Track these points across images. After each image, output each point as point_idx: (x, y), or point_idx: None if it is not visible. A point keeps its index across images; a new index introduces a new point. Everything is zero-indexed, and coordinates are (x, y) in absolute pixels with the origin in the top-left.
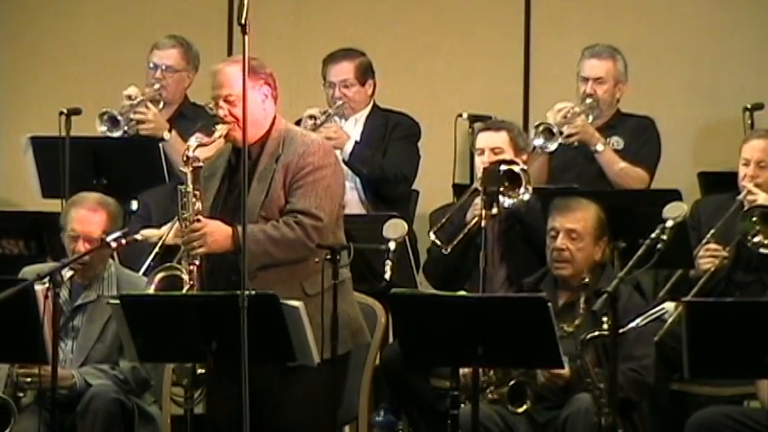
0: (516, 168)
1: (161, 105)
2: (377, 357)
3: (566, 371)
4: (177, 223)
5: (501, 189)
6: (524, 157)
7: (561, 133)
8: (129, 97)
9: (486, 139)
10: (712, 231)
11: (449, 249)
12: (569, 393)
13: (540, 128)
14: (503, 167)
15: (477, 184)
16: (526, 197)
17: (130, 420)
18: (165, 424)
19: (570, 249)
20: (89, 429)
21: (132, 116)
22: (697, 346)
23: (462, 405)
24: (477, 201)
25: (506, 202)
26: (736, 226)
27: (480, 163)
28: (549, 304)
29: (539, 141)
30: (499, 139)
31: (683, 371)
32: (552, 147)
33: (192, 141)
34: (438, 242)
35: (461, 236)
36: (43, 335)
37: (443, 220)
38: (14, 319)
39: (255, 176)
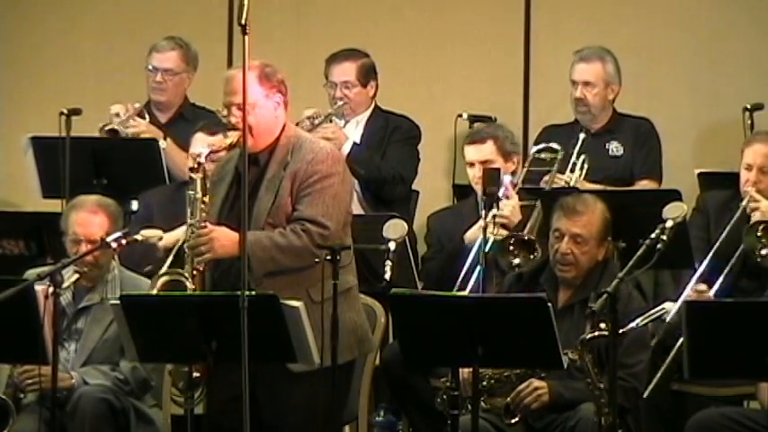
0: (527, 237)
1: (146, 119)
2: (377, 357)
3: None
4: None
5: (513, 251)
6: (515, 159)
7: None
8: (118, 115)
9: (473, 153)
10: (720, 239)
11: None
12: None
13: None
14: (513, 240)
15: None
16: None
17: (124, 421)
18: (165, 424)
19: (575, 253)
20: (78, 429)
21: (126, 131)
22: (697, 347)
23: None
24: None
25: (516, 261)
26: (741, 232)
27: (473, 175)
28: (550, 304)
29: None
30: (486, 150)
31: (683, 371)
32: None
33: (204, 149)
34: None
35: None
36: (43, 335)
37: None
38: (15, 320)
39: (263, 184)
